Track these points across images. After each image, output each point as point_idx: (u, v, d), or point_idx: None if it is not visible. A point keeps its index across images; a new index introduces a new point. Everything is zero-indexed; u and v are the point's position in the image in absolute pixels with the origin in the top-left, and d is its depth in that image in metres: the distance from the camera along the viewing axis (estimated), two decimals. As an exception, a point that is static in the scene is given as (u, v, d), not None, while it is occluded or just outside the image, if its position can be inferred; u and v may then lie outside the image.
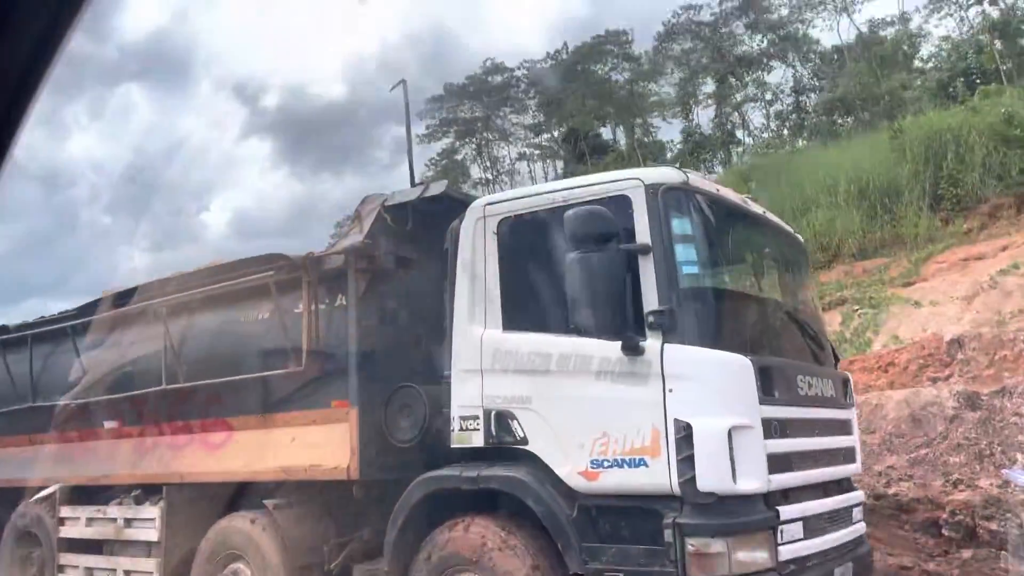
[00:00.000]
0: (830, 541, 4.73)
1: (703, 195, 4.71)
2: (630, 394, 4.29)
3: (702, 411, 4.13)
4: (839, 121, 33.11)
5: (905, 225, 16.85)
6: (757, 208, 5.46)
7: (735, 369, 4.24)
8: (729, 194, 5.14)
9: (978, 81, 24.19)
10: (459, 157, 48.33)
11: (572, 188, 4.86)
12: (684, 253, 4.41)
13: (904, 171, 17.51)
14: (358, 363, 5.52)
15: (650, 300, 4.30)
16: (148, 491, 6.64)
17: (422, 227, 5.84)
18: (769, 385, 4.35)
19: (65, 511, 7.10)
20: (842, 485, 5.24)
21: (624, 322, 4.28)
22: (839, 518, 4.96)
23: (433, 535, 4.91)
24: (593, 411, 4.42)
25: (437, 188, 5.77)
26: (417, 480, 5.00)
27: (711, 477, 4.05)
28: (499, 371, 4.82)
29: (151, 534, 6.40)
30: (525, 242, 4.98)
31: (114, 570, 6.63)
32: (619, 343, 4.29)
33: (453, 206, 5.73)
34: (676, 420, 4.11)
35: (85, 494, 7.15)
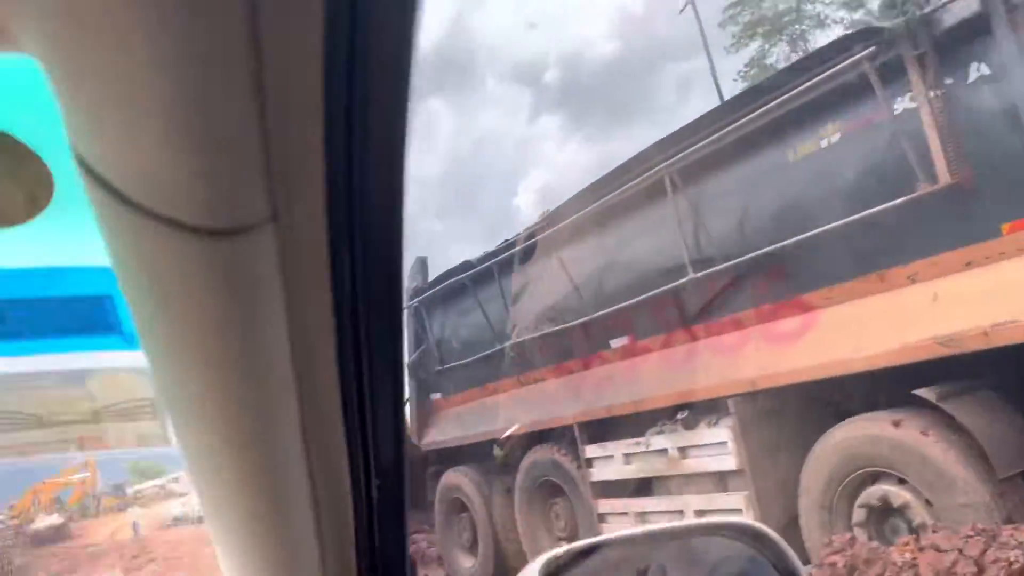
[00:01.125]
0: None
1: None
2: None
3: None
4: None
5: None
6: None
7: None
8: None
9: None
10: (769, 61, 43.51)
11: None
12: None
13: None
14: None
15: None
16: (698, 411, 5.19)
17: None
18: None
19: (592, 451, 5.95)
20: None
21: None
22: None
23: None
24: None
25: None
26: None
27: None
28: None
29: (724, 462, 4.91)
30: None
31: (680, 511, 5.28)
32: None
33: None
34: None
35: (605, 428, 5.96)
